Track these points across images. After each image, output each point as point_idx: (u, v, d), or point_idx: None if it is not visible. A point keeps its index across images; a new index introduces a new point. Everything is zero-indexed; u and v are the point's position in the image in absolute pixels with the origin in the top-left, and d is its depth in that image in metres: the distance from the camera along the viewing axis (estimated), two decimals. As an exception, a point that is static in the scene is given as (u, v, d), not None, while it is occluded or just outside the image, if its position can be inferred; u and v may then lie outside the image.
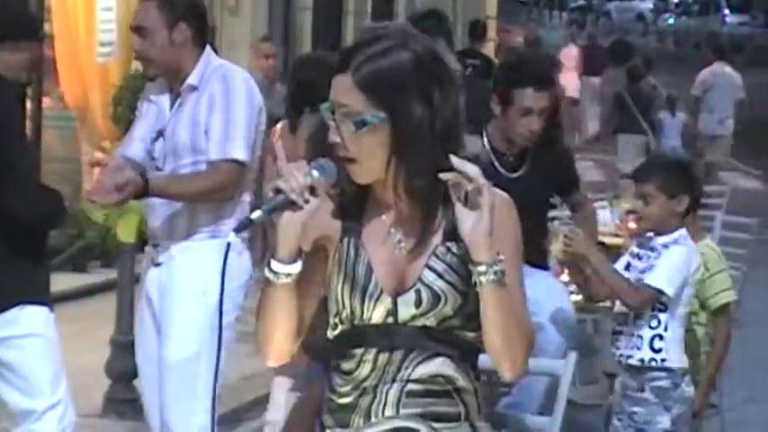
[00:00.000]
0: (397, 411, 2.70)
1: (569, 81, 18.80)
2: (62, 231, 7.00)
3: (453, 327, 2.69)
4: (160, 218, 4.83)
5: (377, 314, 2.69)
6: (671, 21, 41.42)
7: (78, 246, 9.33)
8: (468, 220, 2.54)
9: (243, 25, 11.96)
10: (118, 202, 4.70)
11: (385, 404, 2.71)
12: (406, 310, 2.68)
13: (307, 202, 2.57)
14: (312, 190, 2.57)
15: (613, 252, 5.88)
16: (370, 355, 2.71)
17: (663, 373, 4.73)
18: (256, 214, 2.56)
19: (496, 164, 5.14)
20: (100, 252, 9.39)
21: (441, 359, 2.71)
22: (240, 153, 4.68)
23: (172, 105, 4.82)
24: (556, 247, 4.96)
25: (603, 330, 6.18)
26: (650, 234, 4.96)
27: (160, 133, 4.82)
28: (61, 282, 5.25)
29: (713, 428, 5.98)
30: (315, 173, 2.56)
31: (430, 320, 2.68)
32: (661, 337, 4.74)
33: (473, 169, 2.53)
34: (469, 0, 18.04)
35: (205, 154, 4.71)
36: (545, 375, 4.48)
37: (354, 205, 2.72)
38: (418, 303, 2.67)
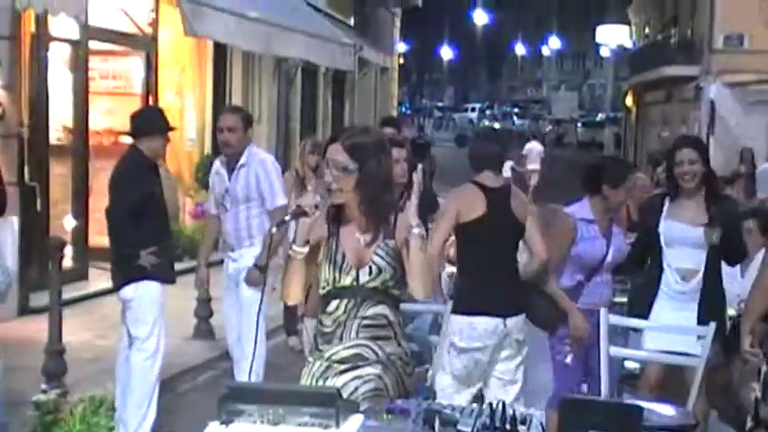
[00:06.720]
0: (357, 335, 3.42)
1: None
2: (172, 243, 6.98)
3: (389, 287, 3.46)
4: (230, 232, 6.50)
5: (346, 280, 3.43)
6: (486, 122, 63.03)
7: (178, 247, 10.79)
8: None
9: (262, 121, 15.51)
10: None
11: (350, 332, 3.43)
12: (364, 277, 3.42)
13: (313, 213, 3.37)
14: (316, 207, 3.37)
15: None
16: (342, 303, 3.44)
17: None
18: (288, 218, 3.42)
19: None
20: (189, 250, 11.69)
21: (381, 305, 3.45)
22: (281, 200, 6.40)
23: (229, 174, 6.41)
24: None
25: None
26: None
27: (226, 191, 6.46)
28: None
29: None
30: (318, 197, 3.39)
31: (376, 283, 3.44)
32: None
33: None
34: (383, 111, 24.39)
35: (261, 203, 6.36)
36: (431, 313, 5.53)
37: (335, 218, 3.49)
38: (370, 273, 3.42)
